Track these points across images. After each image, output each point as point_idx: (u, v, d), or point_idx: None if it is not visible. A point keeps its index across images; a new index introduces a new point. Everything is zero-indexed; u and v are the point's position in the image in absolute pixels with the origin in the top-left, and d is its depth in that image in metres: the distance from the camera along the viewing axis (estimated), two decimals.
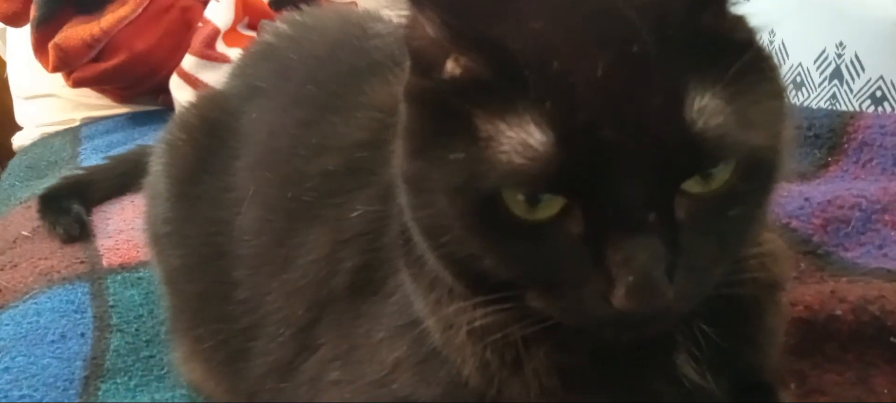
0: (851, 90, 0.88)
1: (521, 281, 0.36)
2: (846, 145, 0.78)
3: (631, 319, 0.33)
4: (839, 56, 0.89)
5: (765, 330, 0.44)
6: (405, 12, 0.37)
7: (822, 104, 0.92)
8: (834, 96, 0.91)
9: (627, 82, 0.32)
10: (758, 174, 0.34)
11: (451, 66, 0.35)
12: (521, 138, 0.32)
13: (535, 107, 0.32)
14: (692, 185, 0.33)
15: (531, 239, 0.34)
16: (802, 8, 0.92)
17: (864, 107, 0.87)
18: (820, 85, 0.92)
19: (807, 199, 0.69)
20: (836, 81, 0.90)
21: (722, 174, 0.33)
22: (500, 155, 0.33)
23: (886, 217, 0.67)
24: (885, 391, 0.52)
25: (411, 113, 0.38)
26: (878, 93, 0.86)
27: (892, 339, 0.53)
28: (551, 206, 0.33)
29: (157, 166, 0.65)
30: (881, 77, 0.85)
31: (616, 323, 0.34)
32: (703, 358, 0.40)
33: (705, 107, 0.32)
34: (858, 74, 0.87)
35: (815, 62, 0.92)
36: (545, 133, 0.32)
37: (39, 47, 1.35)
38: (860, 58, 0.86)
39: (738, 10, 0.36)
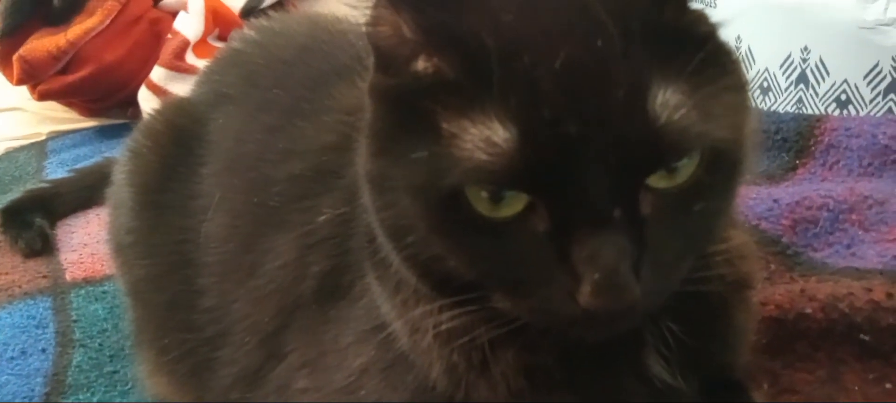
0: (817, 94, 0.90)
1: (486, 282, 0.35)
2: (813, 148, 0.79)
3: (598, 317, 0.33)
4: (804, 61, 0.90)
5: (733, 328, 0.44)
6: (368, 10, 0.36)
7: (788, 108, 0.93)
8: (800, 100, 0.92)
9: (591, 76, 0.31)
10: (722, 167, 0.34)
11: (422, 65, 0.35)
12: (485, 135, 0.32)
13: (499, 103, 0.32)
14: (657, 180, 0.33)
15: (495, 237, 0.33)
16: (767, 14, 0.94)
17: (829, 110, 0.89)
18: (786, 89, 0.93)
19: (775, 201, 0.70)
20: (801, 86, 0.91)
21: (687, 168, 0.33)
22: (463, 152, 0.32)
23: (853, 217, 0.67)
24: (856, 387, 0.52)
25: (375, 110, 0.37)
26: (843, 97, 0.88)
27: (861, 336, 0.54)
28: (515, 203, 0.33)
29: (120, 175, 0.63)
30: (845, 80, 0.87)
31: (583, 321, 0.34)
32: (673, 357, 0.40)
33: (668, 101, 0.32)
34: (823, 78, 0.89)
35: (780, 67, 0.93)
36: (508, 129, 0.31)
37: (3, 60, 1.32)
38: (825, 62, 0.88)
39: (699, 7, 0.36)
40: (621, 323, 0.35)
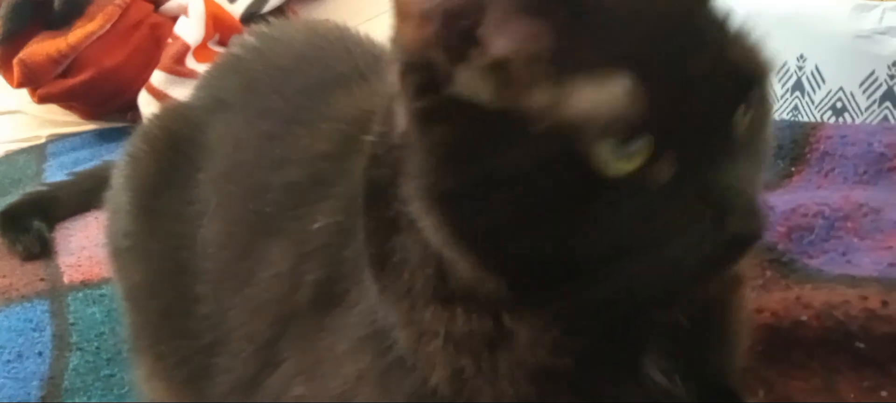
0: (813, 101, 0.90)
1: (610, 253, 0.34)
2: (809, 155, 0.79)
3: (739, 243, 0.34)
4: (800, 68, 0.91)
5: (730, 327, 0.44)
6: (389, 26, 0.35)
7: (784, 116, 0.94)
8: (796, 108, 0.93)
9: (688, 15, 0.34)
10: (765, 100, 0.37)
11: (499, 46, 0.33)
12: (603, 87, 0.32)
13: (608, 52, 0.32)
14: (742, 109, 0.35)
15: (626, 195, 0.33)
16: (763, 22, 0.94)
17: (825, 117, 0.89)
18: (782, 97, 0.94)
19: (771, 208, 0.70)
20: (797, 93, 0.92)
21: (757, 96, 0.35)
22: (583, 111, 0.32)
23: (849, 224, 0.67)
24: (851, 396, 0.52)
25: (432, 133, 0.35)
26: (839, 105, 0.88)
27: (856, 344, 0.54)
28: (643, 151, 0.32)
29: (118, 179, 0.63)
30: (841, 88, 0.87)
31: (727, 250, 0.34)
32: (671, 360, 0.40)
33: (741, 31, 0.35)
34: (819, 86, 0.89)
35: (776, 74, 0.94)
36: (626, 75, 0.32)
37: (4, 63, 1.32)
38: (820, 70, 0.89)
39: None
40: (751, 246, 0.36)
